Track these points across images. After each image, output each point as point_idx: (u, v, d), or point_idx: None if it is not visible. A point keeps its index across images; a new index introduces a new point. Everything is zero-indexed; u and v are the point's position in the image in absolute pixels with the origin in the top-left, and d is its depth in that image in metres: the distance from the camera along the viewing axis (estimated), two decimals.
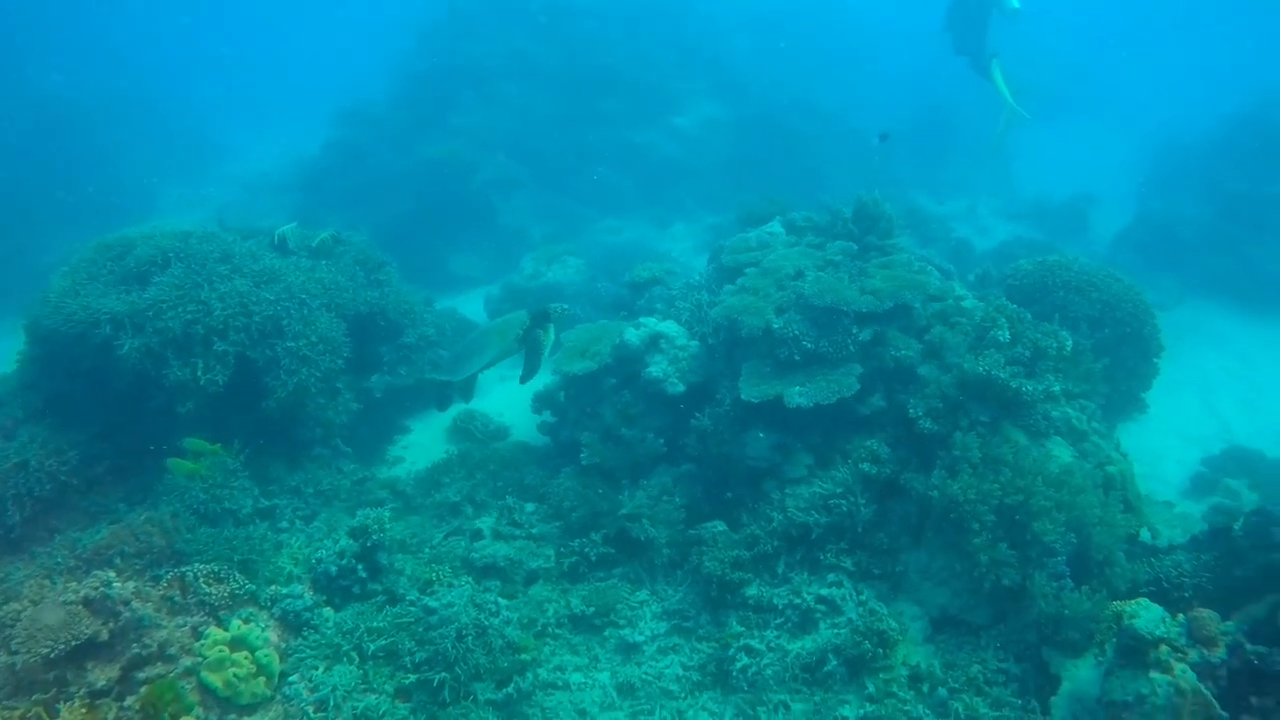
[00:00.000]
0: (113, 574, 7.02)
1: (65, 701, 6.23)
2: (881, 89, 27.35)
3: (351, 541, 7.93)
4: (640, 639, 7.95)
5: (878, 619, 7.33)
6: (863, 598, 7.72)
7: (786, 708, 7.14)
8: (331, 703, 6.77)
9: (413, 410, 11.78)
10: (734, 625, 7.75)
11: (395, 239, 15.96)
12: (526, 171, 21.42)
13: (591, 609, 8.13)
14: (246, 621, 7.10)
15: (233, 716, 6.63)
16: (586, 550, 8.68)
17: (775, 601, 7.81)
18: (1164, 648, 5.97)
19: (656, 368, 9.53)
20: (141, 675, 6.55)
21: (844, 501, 8.01)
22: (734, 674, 7.39)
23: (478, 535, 9.05)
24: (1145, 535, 8.21)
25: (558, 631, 8.03)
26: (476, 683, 7.10)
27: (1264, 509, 7.39)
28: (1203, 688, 5.76)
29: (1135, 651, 6.03)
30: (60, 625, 6.42)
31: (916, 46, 22.50)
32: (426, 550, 8.79)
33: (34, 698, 6.23)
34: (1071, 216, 22.35)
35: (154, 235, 9.91)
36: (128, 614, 6.69)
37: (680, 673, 7.63)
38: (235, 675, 6.65)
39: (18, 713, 6.10)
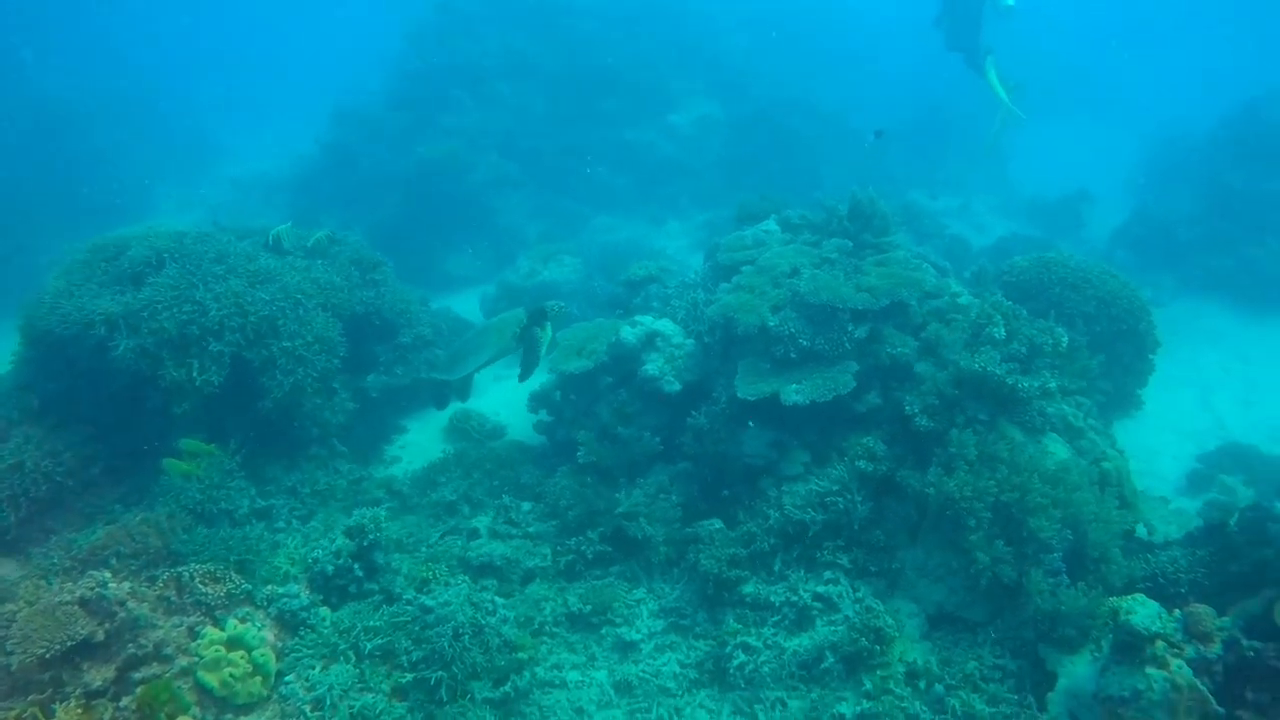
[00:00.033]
0: (108, 574, 7.01)
1: (61, 702, 6.21)
2: (878, 88, 27.41)
3: (348, 541, 7.93)
4: (637, 637, 7.94)
5: (874, 616, 7.32)
6: (859, 595, 7.72)
7: (783, 705, 7.14)
8: (328, 702, 6.76)
9: (409, 410, 11.78)
10: (731, 623, 7.74)
11: (391, 239, 15.99)
12: (522, 170, 21.41)
13: (588, 607, 8.12)
14: (243, 621, 7.10)
15: (229, 716, 6.63)
16: (583, 549, 8.68)
17: (772, 599, 7.80)
18: (1160, 643, 5.98)
19: (653, 366, 9.53)
20: (137, 675, 6.55)
21: (840, 499, 8.01)
22: (731, 671, 7.39)
23: (474, 534, 9.05)
24: (1141, 531, 8.23)
25: (555, 630, 8.03)
26: (473, 681, 7.09)
27: (1259, 505, 7.42)
28: (1199, 683, 5.77)
29: (1131, 647, 6.04)
30: (56, 626, 6.41)
31: (914, 45, 22.49)
32: (423, 549, 8.79)
33: (30, 698, 6.21)
34: (1068, 214, 22.41)
35: (148, 236, 9.90)
36: (123, 614, 6.68)
37: (677, 670, 7.63)
38: (232, 675, 6.65)
39: (13, 713, 6.09)
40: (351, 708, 6.73)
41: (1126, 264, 16.82)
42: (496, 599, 7.87)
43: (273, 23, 53.85)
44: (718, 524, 8.52)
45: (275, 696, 6.84)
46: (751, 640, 7.52)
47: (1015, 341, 8.32)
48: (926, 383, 8.28)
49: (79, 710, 6.17)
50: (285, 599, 7.48)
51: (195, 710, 6.46)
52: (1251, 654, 5.85)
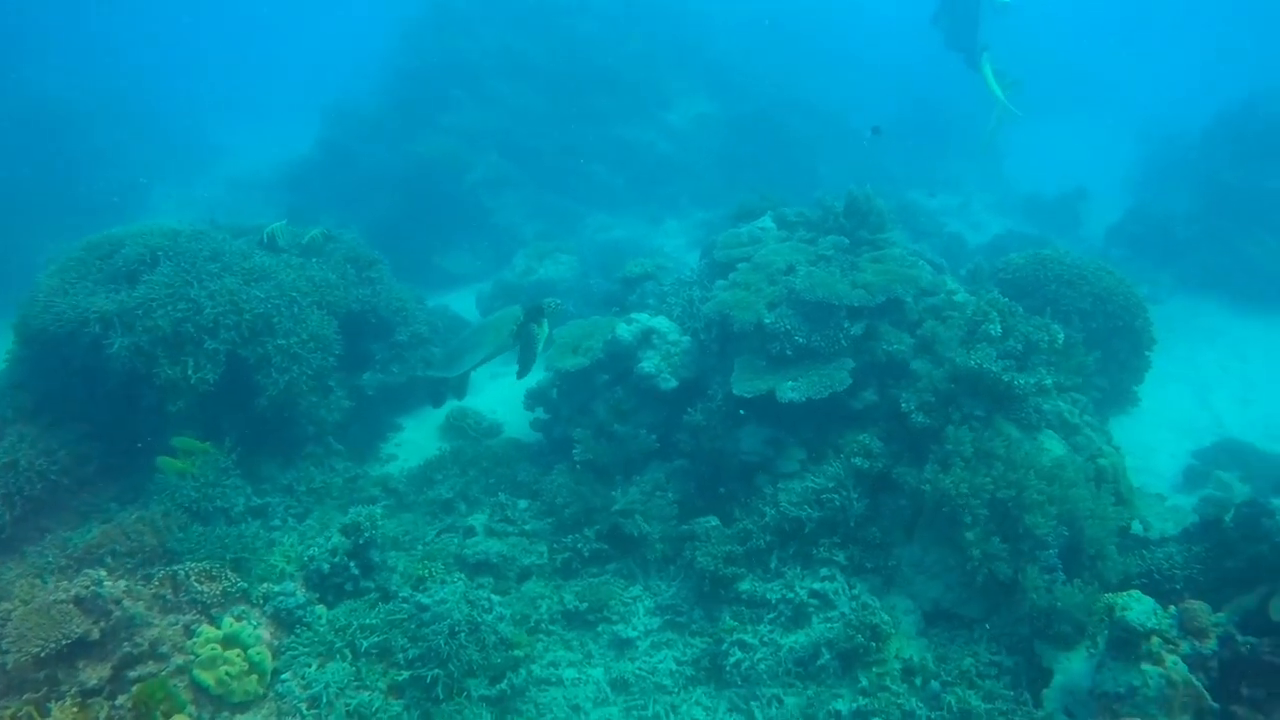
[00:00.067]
0: (104, 573, 7.01)
1: (57, 700, 6.20)
2: (876, 86, 27.42)
3: (344, 539, 7.91)
4: (634, 634, 7.94)
5: (870, 613, 7.33)
6: (855, 592, 7.72)
7: (780, 702, 7.14)
8: (324, 700, 6.75)
9: (405, 408, 11.76)
10: (727, 620, 7.75)
11: (386, 237, 15.93)
12: (518, 169, 21.39)
13: (585, 605, 8.12)
14: (239, 619, 7.09)
15: (225, 714, 6.62)
16: (579, 546, 8.68)
17: (768, 596, 7.80)
18: (1155, 640, 5.99)
19: (649, 363, 9.52)
20: (133, 674, 6.54)
21: (836, 496, 8.01)
22: (727, 669, 7.39)
23: (470, 532, 9.04)
24: (1137, 528, 8.25)
25: (551, 628, 8.02)
26: (470, 679, 7.09)
27: (1255, 501, 7.43)
28: (1194, 679, 5.79)
29: (1127, 644, 6.05)
30: (51, 624, 6.40)
31: (912, 44, 22.49)
32: (419, 547, 8.78)
33: (25, 697, 6.21)
34: (1064, 211, 22.45)
35: (143, 234, 9.88)
36: (119, 613, 6.67)
37: (674, 668, 7.63)
38: (228, 673, 6.64)
39: (9, 712, 6.08)
40: (347, 706, 6.73)
41: (1123, 261, 16.80)
42: (493, 597, 7.86)
43: (270, 22, 53.79)
44: (714, 521, 8.52)
45: (271, 695, 6.83)
46: (748, 637, 7.52)
47: (1011, 338, 8.32)
48: (923, 380, 8.28)
49: (74, 709, 6.17)
50: (281, 597, 7.47)
51: (191, 708, 6.45)
52: (1246, 650, 5.86)
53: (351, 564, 7.84)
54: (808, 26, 28.63)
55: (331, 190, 21.39)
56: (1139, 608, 6.14)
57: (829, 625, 7.47)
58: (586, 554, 8.66)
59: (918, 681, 7.01)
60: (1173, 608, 6.23)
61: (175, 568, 7.43)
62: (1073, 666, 6.74)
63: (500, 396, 12.03)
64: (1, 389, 9.32)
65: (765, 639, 7.52)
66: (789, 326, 8.62)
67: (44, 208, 21.08)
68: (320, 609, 7.60)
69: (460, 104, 22.39)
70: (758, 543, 8.10)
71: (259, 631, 7.11)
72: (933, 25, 15.34)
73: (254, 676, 6.76)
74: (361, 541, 7.88)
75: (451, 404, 10.97)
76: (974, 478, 7.26)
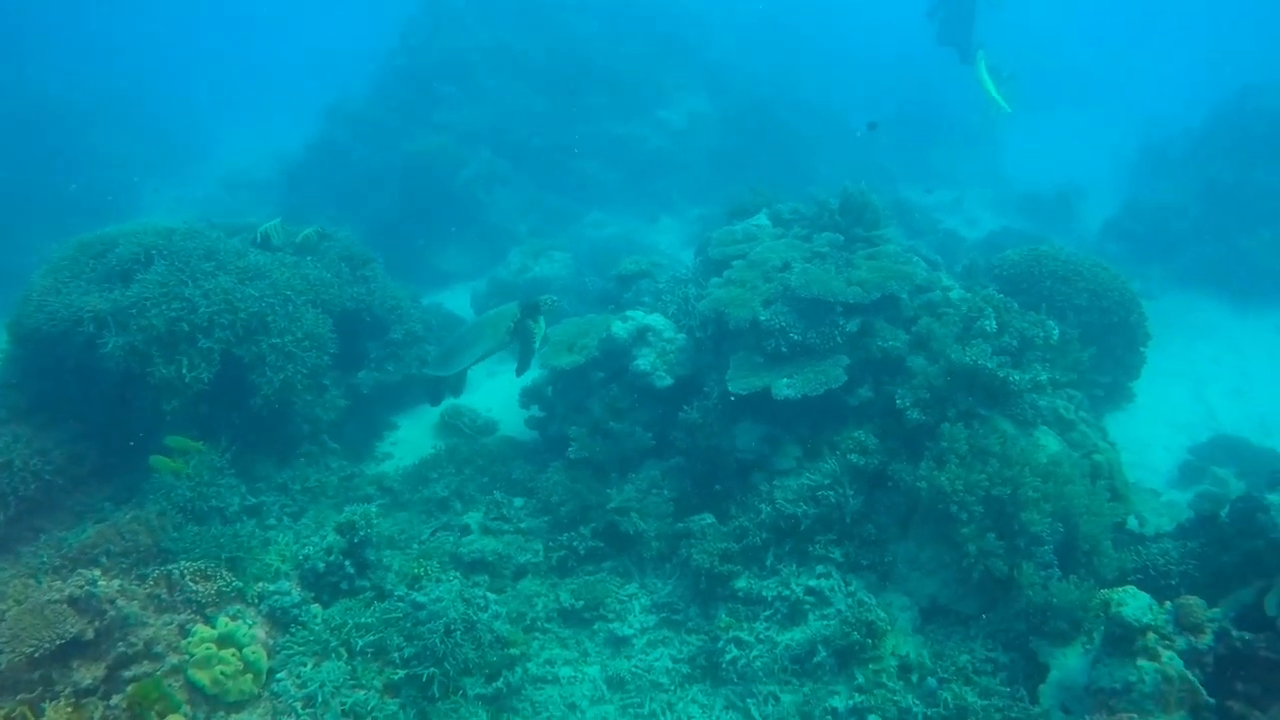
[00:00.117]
0: (98, 573, 7.00)
1: (51, 700, 6.19)
2: (872, 82, 27.41)
3: (339, 538, 7.90)
4: (629, 632, 7.94)
5: (866, 610, 7.33)
6: (851, 589, 7.72)
7: (776, 699, 7.15)
8: (320, 699, 6.74)
9: (400, 406, 11.74)
10: (723, 618, 7.74)
11: (381, 235, 15.96)
12: (512, 166, 21.33)
13: (580, 603, 8.12)
14: (234, 619, 7.07)
15: (221, 714, 6.61)
16: (575, 544, 8.68)
17: (764, 593, 7.80)
18: (1151, 635, 5.99)
19: (644, 361, 9.50)
20: (128, 674, 6.52)
21: (832, 493, 8.01)
22: (723, 666, 7.40)
23: (466, 530, 9.03)
24: (1133, 523, 8.25)
25: (547, 626, 8.03)
26: (465, 677, 7.09)
27: (1250, 496, 7.43)
28: (1190, 674, 5.79)
29: (1123, 639, 6.05)
30: (45, 624, 6.38)
31: (908, 40, 22.51)
32: (414, 546, 8.78)
33: (19, 697, 6.19)
34: (1060, 207, 22.42)
35: (136, 232, 9.83)
36: (113, 612, 6.66)
37: (670, 665, 7.64)
38: (223, 673, 6.62)
39: (2, 712, 6.07)
40: (343, 705, 6.72)
41: (1118, 256, 16.84)
42: (488, 595, 7.87)
43: (267, 22, 53.70)
44: (710, 519, 8.51)
45: (267, 694, 6.81)
46: (744, 635, 7.53)
47: (1006, 334, 8.32)
48: (918, 376, 8.28)
49: (69, 709, 6.15)
50: (276, 596, 7.46)
51: (186, 708, 6.44)
52: (1242, 645, 5.86)
53: (347, 563, 7.82)
54: (802, 22, 28.61)
55: (327, 189, 21.33)
56: (1135, 603, 6.14)
57: (825, 622, 7.47)
58: (582, 552, 8.66)
59: (914, 678, 7.01)
60: (1168, 603, 6.23)
61: (170, 567, 7.42)
62: (1069, 663, 6.74)
63: (495, 395, 12.02)
64: None
65: (761, 636, 7.53)
66: (784, 323, 8.61)
67: (42, 207, 21.04)
68: (316, 608, 7.58)
69: (455, 101, 22.35)
70: (754, 540, 8.10)
71: (254, 631, 7.10)
72: (928, 21, 15.35)
73: (249, 676, 6.74)
74: (357, 540, 7.87)
75: (447, 402, 10.95)
76: (969, 474, 7.27)
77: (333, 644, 7.19)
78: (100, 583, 6.76)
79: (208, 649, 6.67)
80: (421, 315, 12.49)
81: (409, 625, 7.28)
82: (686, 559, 8.19)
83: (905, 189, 21.35)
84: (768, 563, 8.06)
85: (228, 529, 8.31)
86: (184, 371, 8.59)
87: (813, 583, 7.75)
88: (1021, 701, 6.63)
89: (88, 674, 6.43)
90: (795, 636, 7.46)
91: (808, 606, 7.65)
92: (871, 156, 22.29)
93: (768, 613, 7.72)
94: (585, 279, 15.91)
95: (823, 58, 27.89)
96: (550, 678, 7.51)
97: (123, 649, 6.58)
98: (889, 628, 7.35)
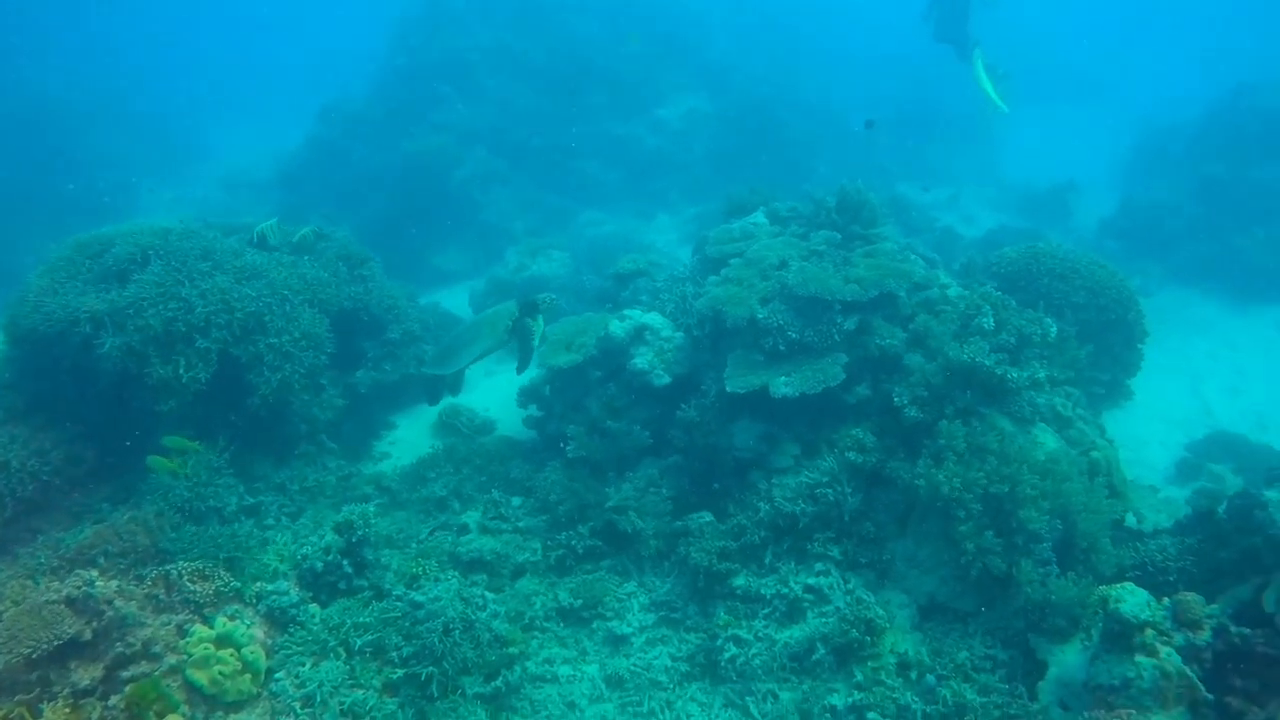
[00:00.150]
0: (95, 573, 6.99)
1: (49, 701, 6.18)
2: (869, 80, 27.42)
3: (337, 537, 7.90)
4: (628, 631, 7.94)
5: (865, 607, 7.34)
6: (850, 586, 7.72)
7: (775, 697, 7.15)
8: (318, 699, 6.74)
9: (398, 406, 11.73)
10: (722, 616, 7.74)
11: (378, 235, 15.94)
12: (509, 165, 21.31)
13: (579, 602, 8.11)
14: (232, 619, 7.07)
15: (219, 714, 6.60)
16: (573, 543, 8.67)
17: (763, 591, 7.80)
18: (1149, 632, 6.00)
19: (642, 359, 9.50)
20: (126, 674, 6.51)
21: (830, 491, 8.01)
22: (722, 664, 7.40)
23: (464, 529, 9.02)
24: (1130, 520, 8.25)
25: (545, 624, 8.02)
26: (464, 676, 7.09)
27: (1247, 492, 7.44)
28: (1188, 671, 5.80)
29: (1121, 636, 6.06)
30: (42, 625, 6.37)
31: (904, 37, 22.49)
32: (413, 545, 8.77)
33: (17, 698, 6.18)
34: (1057, 204, 22.43)
35: (133, 232, 9.81)
36: (111, 613, 6.65)
37: (669, 664, 7.63)
38: (221, 673, 6.61)
39: (1, 713, 6.06)
40: (342, 704, 6.72)
41: (1115, 254, 16.84)
42: (487, 594, 7.87)
43: (264, 22, 53.69)
44: (708, 517, 8.51)
45: (265, 694, 6.81)
46: (742, 633, 7.53)
47: (1004, 332, 8.32)
48: (916, 374, 8.28)
49: (67, 710, 6.14)
50: (274, 596, 7.46)
51: (184, 708, 6.43)
52: (1240, 641, 5.87)
53: (345, 562, 7.81)
54: (800, 21, 28.61)
55: (326, 189, 21.35)
56: (1133, 600, 6.14)
57: (824, 620, 7.47)
58: (581, 551, 8.65)
59: (913, 675, 7.02)
60: (1166, 600, 6.24)
61: (168, 567, 7.41)
62: (1067, 659, 6.74)
63: (493, 394, 12.02)
64: None
65: (760, 634, 7.53)
66: (782, 322, 8.61)
67: (40, 207, 21.03)
68: (314, 608, 7.58)
69: (451, 101, 22.32)
70: (752, 538, 8.10)
71: (253, 631, 7.10)
72: (924, 18, 15.36)
73: (248, 676, 6.74)
74: (355, 540, 7.86)
75: (445, 401, 10.95)
76: (967, 472, 7.27)
77: (331, 643, 7.19)
78: (98, 583, 6.75)
79: (206, 649, 6.66)
80: (419, 314, 12.49)
81: (407, 624, 7.28)
82: (685, 557, 8.19)
83: (903, 187, 21.33)
84: (766, 561, 8.06)
85: (225, 529, 8.29)
86: (181, 372, 8.58)
87: (811, 580, 7.75)
88: (1020, 698, 6.64)
89: (86, 675, 6.42)
90: (794, 634, 7.47)
91: (806, 604, 7.66)
92: (870, 155, 22.27)
93: (766, 611, 7.72)
94: (583, 278, 15.90)
95: (822, 57, 27.90)
96: (549, 676, 7.51)
97: (121, 649, 6.57)
98: (888, 625, 7.36)
